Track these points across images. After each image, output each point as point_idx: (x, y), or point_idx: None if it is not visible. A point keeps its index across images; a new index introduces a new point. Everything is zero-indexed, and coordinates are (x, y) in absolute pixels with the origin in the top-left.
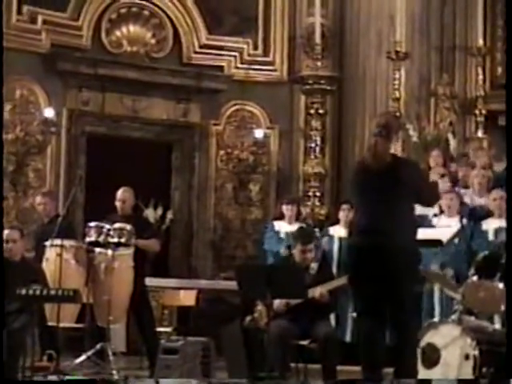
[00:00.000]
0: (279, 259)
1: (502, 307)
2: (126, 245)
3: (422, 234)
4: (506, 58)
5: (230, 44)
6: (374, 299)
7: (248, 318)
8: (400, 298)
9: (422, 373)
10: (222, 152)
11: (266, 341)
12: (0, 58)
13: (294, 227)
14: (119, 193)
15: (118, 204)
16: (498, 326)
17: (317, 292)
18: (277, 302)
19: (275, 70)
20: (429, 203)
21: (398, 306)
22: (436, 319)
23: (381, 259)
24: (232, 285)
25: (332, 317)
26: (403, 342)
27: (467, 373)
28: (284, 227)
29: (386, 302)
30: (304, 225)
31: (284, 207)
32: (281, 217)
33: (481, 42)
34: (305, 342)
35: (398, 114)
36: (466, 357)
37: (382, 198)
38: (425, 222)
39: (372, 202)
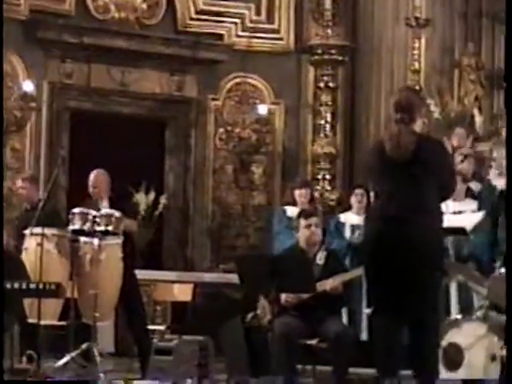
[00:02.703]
0: (284, 249)
1: None
2: (114, 233)
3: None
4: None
5: (229, 9)
6: (392, 293)
7: (250, 315)
8: (422, 293)
9: (444, 375)
10: (221, 130)
11: (269, 340)
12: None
13: None
14: (90, 178)
15: (90, 190)
16: None
17: (328, 285)
18: (285, 296)
19: (281, 39)
20: (447, 194)
21: (419, 301)
22: (459, 316)
23: (404, 250)
24: (232, 278)
25: (344, 313)
26: (423, 341)
27: (494, 376)
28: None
29: (405, 296)
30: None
31: (297, 192)
32: (293, 203)
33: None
34: (313, 342)
35: (417, 87)
36: (493, 358)
37: (407, 184)
38: None
39: (395, 188)
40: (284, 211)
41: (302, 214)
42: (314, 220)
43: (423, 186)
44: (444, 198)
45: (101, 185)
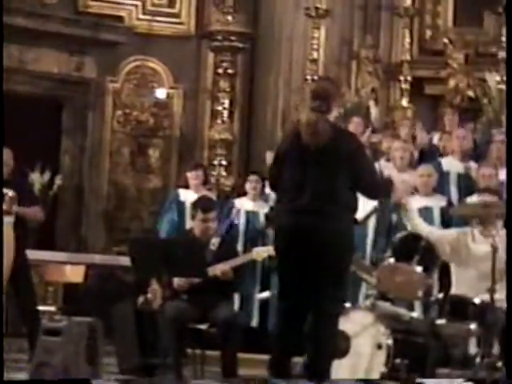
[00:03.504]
0: (177, 233)
1: (420, 293)
2: (6, 213)
3: None
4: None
5: None
6: (299, 282)
7: (141, 298)
8: (329, 282)
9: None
10: (118, 112)
11: (160, 324)
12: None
13: None
14: None
15: None
16: (416, 314)
17: (218, 269)
18: (177, 280)
19: (181, 24)
20: (366, 190)
21: (326, 291)
22: (347, 304)
23: (315, 241)
24: (125, 260)
25: (236, 299)
26: (323, 329)
27: (379, 363)
28: (190, 196)
29: (313, 286)
30: (211, 194)
31: (189, 174)
32: (186, 185)
33: (408, 1)
34: (203, 326)
35: (309, 77)
36: (379, 346)
37: (320, 175)
38: None
39: (308, 179)
40: (177, 194)
41: (199, 207)
42: (211, 215)
43: (336, 177)
44: (363, 193)
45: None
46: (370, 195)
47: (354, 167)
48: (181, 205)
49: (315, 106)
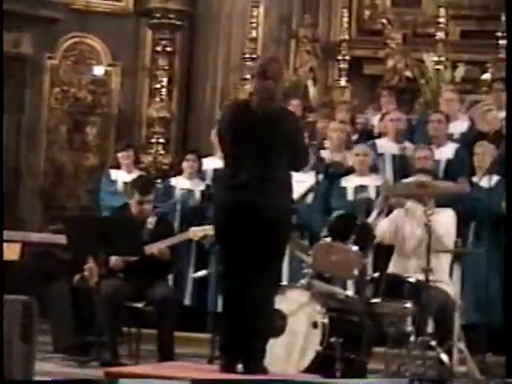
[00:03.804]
0: (114, 212)
1: (355, 272)
2: None
3: None
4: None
5: None
6: (239, 260)
7: (77, 277)
8: (267, 262)
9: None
10: (56, 89)
11: (96, 302)
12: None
13: (134, 176)
14: None
15: None
16: (350, 292)
17: (155, 248)
18: (113, 259)
19: (120, 1)
20: (298, 167)
21: (263, 270)
22: (284, 283)
23: (253, 218)
24: (62, 238)
25: (170, 278)
26: (259, 305)
27: (314, 342)
28: (122, 176)
29: (252, 264)
30: (144, 173)
31: (119, 154)
32: (118, 165)
33: None
34: (139, 305)
35: (248, 55)
36: (314, 325)
37: (259, 151)
38: None
39: (247, 155)
40: (108, 174)
41: (137, 188)
42: (148, 197)
43: (276, 155)
44: (296, 170)
45: None
46: (298, 170)
47: (294, 148)
48: (113, 184)
49: (268, 75)
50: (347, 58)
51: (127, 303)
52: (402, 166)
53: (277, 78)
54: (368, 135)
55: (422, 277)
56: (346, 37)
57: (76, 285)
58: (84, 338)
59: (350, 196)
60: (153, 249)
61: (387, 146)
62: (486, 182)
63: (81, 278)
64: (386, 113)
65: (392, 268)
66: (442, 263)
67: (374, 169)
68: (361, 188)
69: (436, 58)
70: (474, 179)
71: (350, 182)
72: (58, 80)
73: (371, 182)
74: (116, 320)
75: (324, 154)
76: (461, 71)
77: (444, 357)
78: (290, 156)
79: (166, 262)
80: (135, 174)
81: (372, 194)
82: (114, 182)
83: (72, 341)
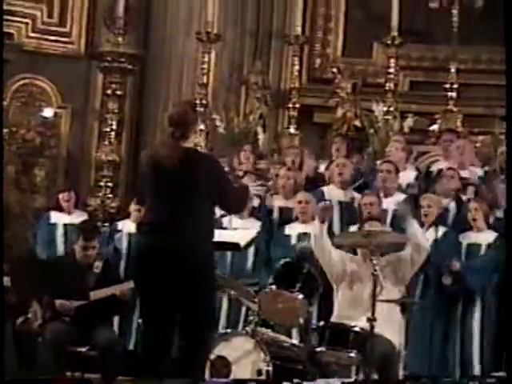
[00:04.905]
0: (58, 255)
1: (301, 320)
2: None
3: (217, 235)
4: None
5: (21, 9)
6: (162, 306)
7: (20, 319)
8: (192, 305)
9: None
10: (5, 130)
11: (39, 345)
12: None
13: (74, 218)
14: None
15: None
16: (295, 340)
17: (100, 294)
18: (59, 301)
19: (72, 43)
20: (230, 208)
21: (190, 314)
22: (228, 330)
23: (172, 262)
24: (6, 280)
25: (115, 322)
26: (192, 353)
27: None
28: (62, 218)
29: (175, 309)
30: (84, 215)
31: (60, 195)
32: (58, 207)
33: (299, 29)
34: (83, 349)
35: (204, 102)
36: (259, 373)
37: (174, 195)
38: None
39: (163, 199)
40: (48, 217)
41: (81, 234)
42: (92, 243)
43: (193, 198)
44: (228, 210)
45: None
46: (232, 211)
47: (215, 188)
48: (52, 227)
49: (169, 132)
50: (297, 105)
51: (71, 347)
52: (349, 214)
53: (185, 125)
54: (317, 182)
55: (366, 325)
56: (297, 85)
57: (18, 327)
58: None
59: (294, 243)
60: (98, 295)
61: (333, 192)
62: (433, 233)
63: (24, 321)
64: (332, 160)
65: (337, 314)
66: (388, 313)
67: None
68: (303, 235)
69: (385, 108)
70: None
71: (294, 230)
72: (6, 121)
73: (314, 230)
74: (59, 363)
75: (275, 200)
76: (409, 122)
77: None
78: (213, 196)
79: (111, 307)
80: (77, 216)
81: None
82: (53, 225)
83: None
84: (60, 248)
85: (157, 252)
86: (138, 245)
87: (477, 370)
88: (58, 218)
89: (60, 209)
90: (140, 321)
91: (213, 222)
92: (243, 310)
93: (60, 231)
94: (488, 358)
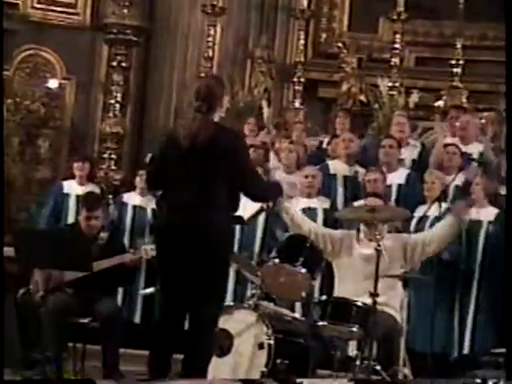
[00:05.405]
0: (63, 225)
1: (303, 294)
2: None
3: None
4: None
5: None
6: (178, 279)
7: (22, 290)
8: (207, 280)
9: (213, 361)
10: (9, 101)
11: (41, 316)
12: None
13: (87, 189)
14: None
15: None
16: (297, 314)
17: (104, 265)
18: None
19: (77, 14)
20: (256, 196)
21: (203, 288)
22: (231, 303)
23: (191, 238)
24: (10, 251)
25: (119, 293)
26: (198, 327)
27: (260, 363)
28: (75, 189)
29: (189, 283)
30: (96, 188)
31: (75, 165)
32: (72, 177)
33: (305, 3)
34: (85, 320)
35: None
36: (260, 346)
37: (196, 174)
38: None
39: (184, 178)
40: (61, 187)
41: (84, 204)
42: (95, 213)
43: (213, 176)
44: (252, 195)
45: None
46: (257, 198)
47: (234, 166)
48: (64, 197)
49: (196, 106)
50: (302, 80)
51: (73, 318)
52: (354, 189)
53: (212, 98)
54: (320, 157)
55: (368, 300)
56: (302, 59)
57: (20, 298)
58: (29, 353)
59: None
60: (101, 265)
61: (339, 167)
62: (436, 210)
63: (26, 292)
64: (336, 135)
65: (337, 290)
66: (392, 288)
67: (324, 191)
68: (308, 210)
69: (390, 84)
70: (423, 207)
71: (297, 204)
72: (11, 92)
73: (319, 204)
74: (61, 335)
75: (277, 174)
76: (414, 97)
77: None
78: (234, 176)
79: (114, 278)
80: (88, 187)
81: (320, 216)
82: (66, 194)
83: (17, 356)
84: (71, 219)
85: (175, 227)
86: (157, 220)
87: (477, 347)
88: (71, 188)
89: (73, 178)
90: (144, 292)
91: (235, 200)
92: (249, 284)
93: (72, 201)
94: (488, 334)
